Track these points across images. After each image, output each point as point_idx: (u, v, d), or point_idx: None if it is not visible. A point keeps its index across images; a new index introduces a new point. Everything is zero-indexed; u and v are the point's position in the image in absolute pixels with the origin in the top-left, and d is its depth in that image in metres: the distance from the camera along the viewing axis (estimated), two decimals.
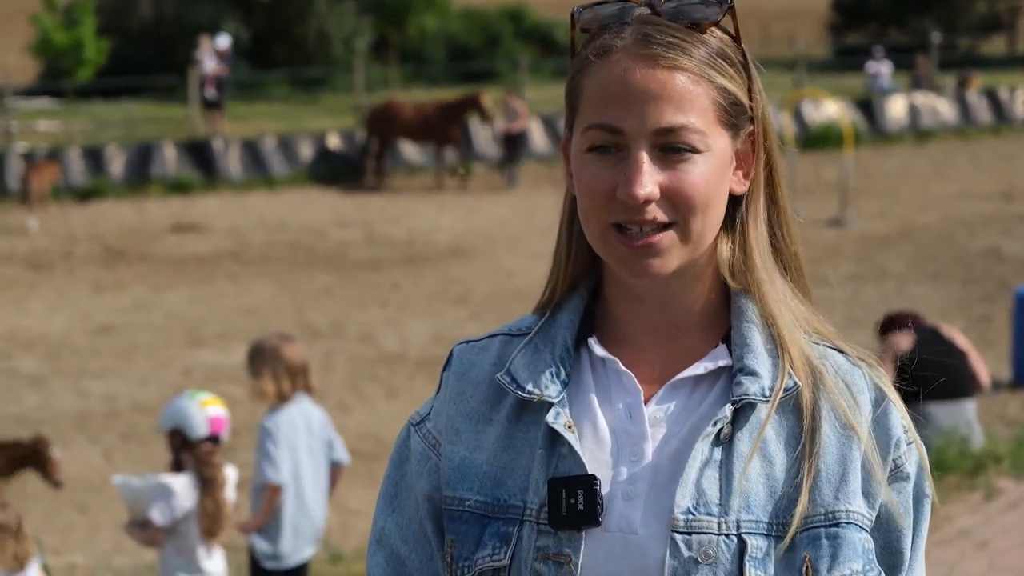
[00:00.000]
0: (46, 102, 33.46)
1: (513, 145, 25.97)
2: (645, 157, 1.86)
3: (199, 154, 26.36)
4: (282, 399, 7.05)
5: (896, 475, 1.94)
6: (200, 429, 6.52)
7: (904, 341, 9.57)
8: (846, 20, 52.26)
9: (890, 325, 9.84)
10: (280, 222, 22.74)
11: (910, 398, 2.02)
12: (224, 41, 30.22)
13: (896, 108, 31.70)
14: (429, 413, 2.04)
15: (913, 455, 1.95)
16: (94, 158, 25.67)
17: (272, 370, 7.00)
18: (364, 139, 26.52)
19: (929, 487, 1.97)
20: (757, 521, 1.86)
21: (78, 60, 35.96)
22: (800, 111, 29.77)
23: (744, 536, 1.86)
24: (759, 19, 46.87)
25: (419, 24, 43.62)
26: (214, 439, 6.56)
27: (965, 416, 9.72)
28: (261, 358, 7.04)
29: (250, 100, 34.58)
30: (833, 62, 42.59)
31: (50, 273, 19.24)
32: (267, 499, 7.05)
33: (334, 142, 27.28)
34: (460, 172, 26.40)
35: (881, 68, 33.48)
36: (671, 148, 1.87)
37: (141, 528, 6.50)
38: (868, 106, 31.45)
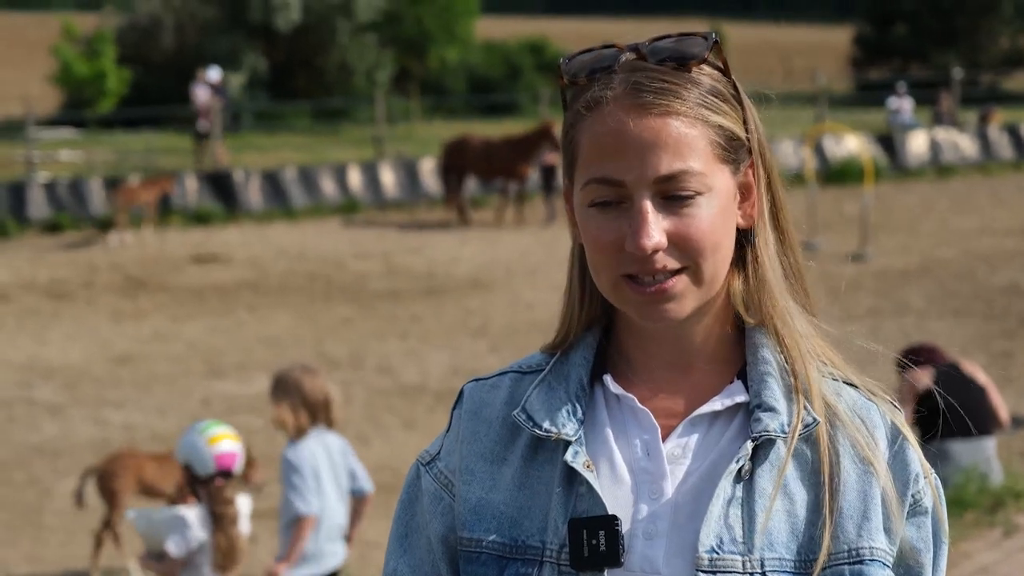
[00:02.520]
0: (68, 132, 33.60)
1: (552, 177, 25.84)
2: (649, 206, 1.84)
3: (220, 185, 26.42)
4: (300, 432, 7.04)
5: (915, 510, 1.93)
6: (208, 466, 6.52)
7: (924, 376, 9.52)
8: (868, 55, 52.33)
9: (910, 359, 9.77)
10: (300, 253, 22.77)
11: (930, 434, 2.02)
12: (214, 74, 30.42)
13: (917, 143, 31.66)
14: (440, 452, 2.02)
15: (929, 489, 1.95)
16: (115, 188, 25.74)
17: (291, 402, 7.00)
18: (443, 176, 26.18)
19: (944, 519, 1.97)
20: (781, 559, 1.86)
21: (100, 91, 36.20)
22: (821, 146, 29.75)
23: (769, 574, 1.85)
24: (781, 54, 46.87)
25: (440, 56, 43.81)
26: (225, 474, 6.55)
27: (985, 453, 9.66)
28: (283, 389, 7.04)
29: (271, 131, 34.68)
30: (855, 97, 42.67)
31: (71, 303, 19.27)
32: (297, 532, 7.00)
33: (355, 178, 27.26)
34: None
35: (903, 103, 33.47)
36: (674, 195, 1.85)
37: (158, 560, 6.50)
38: (889, 141, 31.42)
